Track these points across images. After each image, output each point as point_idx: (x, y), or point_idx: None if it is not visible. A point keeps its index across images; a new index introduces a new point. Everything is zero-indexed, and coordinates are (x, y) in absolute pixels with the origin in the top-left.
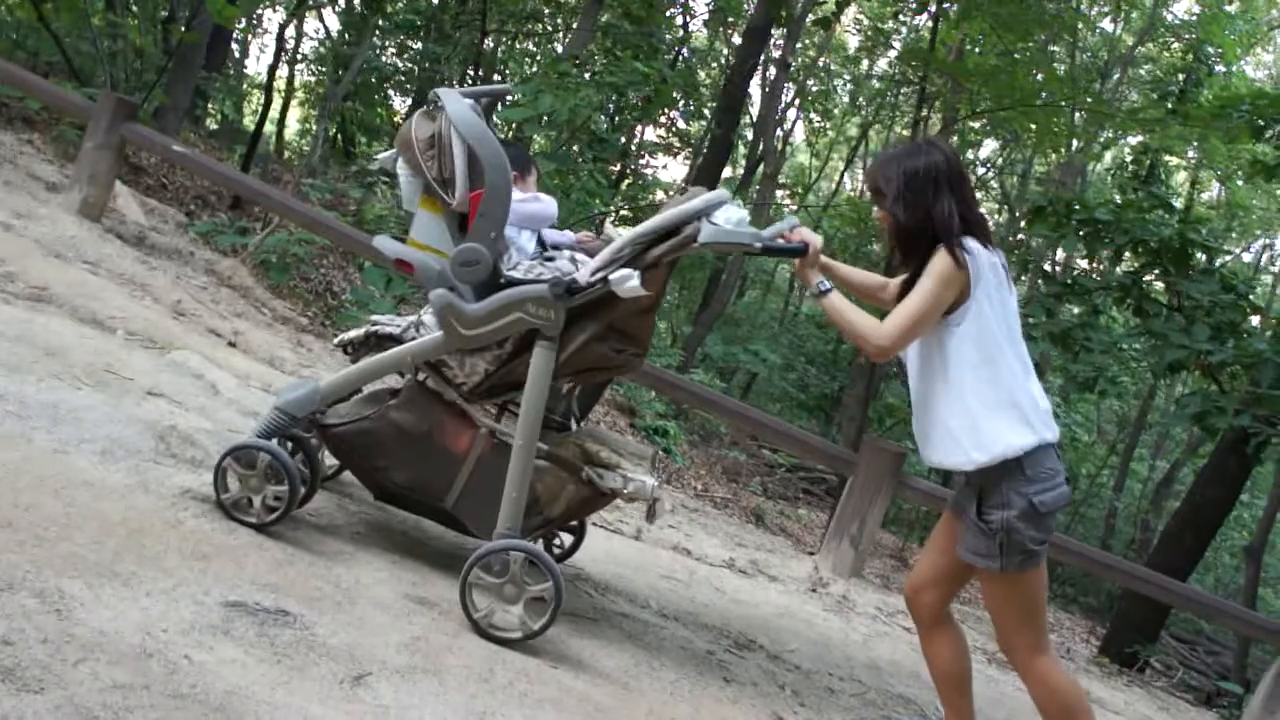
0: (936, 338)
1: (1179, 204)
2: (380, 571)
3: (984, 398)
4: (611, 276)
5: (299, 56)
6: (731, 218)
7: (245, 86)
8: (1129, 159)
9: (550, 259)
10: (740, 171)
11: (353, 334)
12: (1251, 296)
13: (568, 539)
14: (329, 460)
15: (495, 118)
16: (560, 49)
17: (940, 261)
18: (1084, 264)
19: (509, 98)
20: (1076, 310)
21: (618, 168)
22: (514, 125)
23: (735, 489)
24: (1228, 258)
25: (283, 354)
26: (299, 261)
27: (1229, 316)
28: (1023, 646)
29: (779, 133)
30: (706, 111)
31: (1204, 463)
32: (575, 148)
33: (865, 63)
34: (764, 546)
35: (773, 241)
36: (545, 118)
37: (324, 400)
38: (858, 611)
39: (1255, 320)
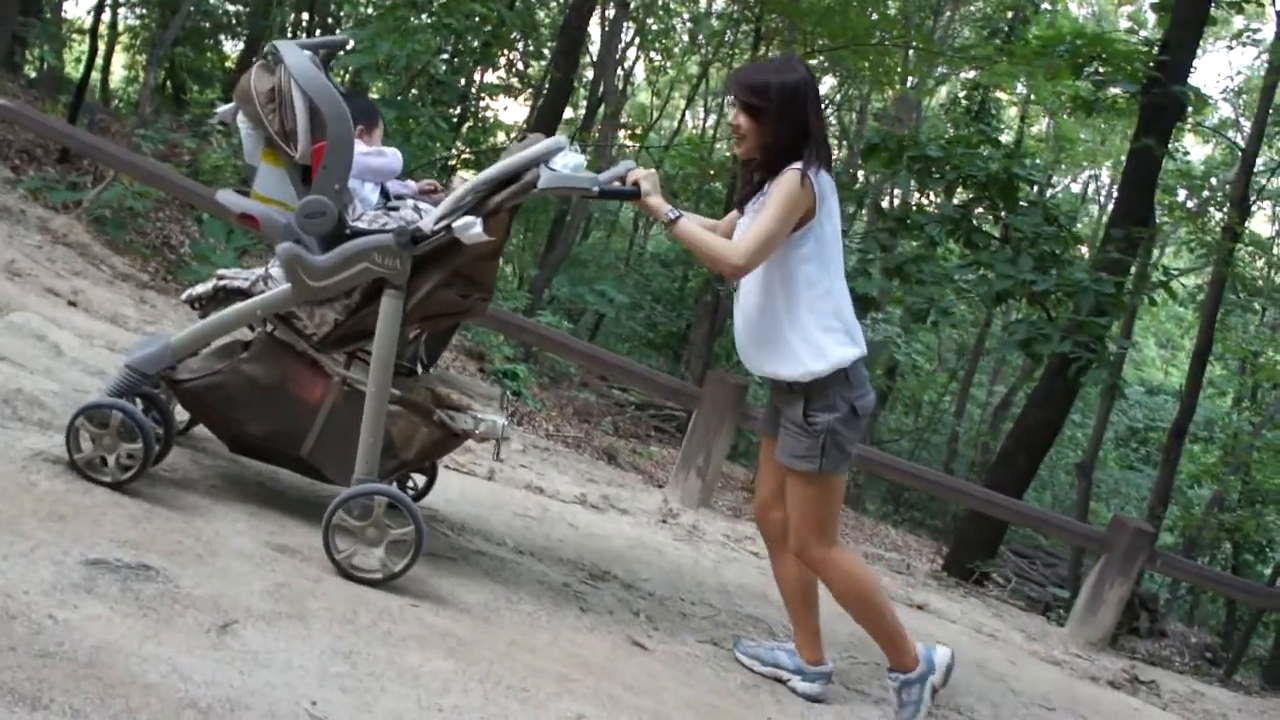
0: (778, 256)
1: (1009, 138)
2: (239, 523)
3: (819, 314)
4: (455, 224)
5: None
6: (569, 163)
7: (65, 31)
8: (962, 94)
9: (394, 209)
10: (582, 113)
11: (200, 289)
12: (1078, 227)
13: (420, 480)
14: (180, 415)
15: (333, 64)
16: None
17: (789, 183)
18: (917, 198)
19: (350, 41)
20: (915, 244)
21: (458, 111)
22: (351, 71)
23: (587, 429)
24: (1056, 190)
25: (125, 311)
26: (136, 216)
27: (1052, 247)
28: (822, 543)
29: (619, 72)
30: (546, 52)
31: (1035, 385)
32: (414, 92)
33: (704, 0)
34: (615, 482)
35: (609, 185)
36: (384, 63)
37: (175, 356)
38: (707, 540)
39: (1083, 250)
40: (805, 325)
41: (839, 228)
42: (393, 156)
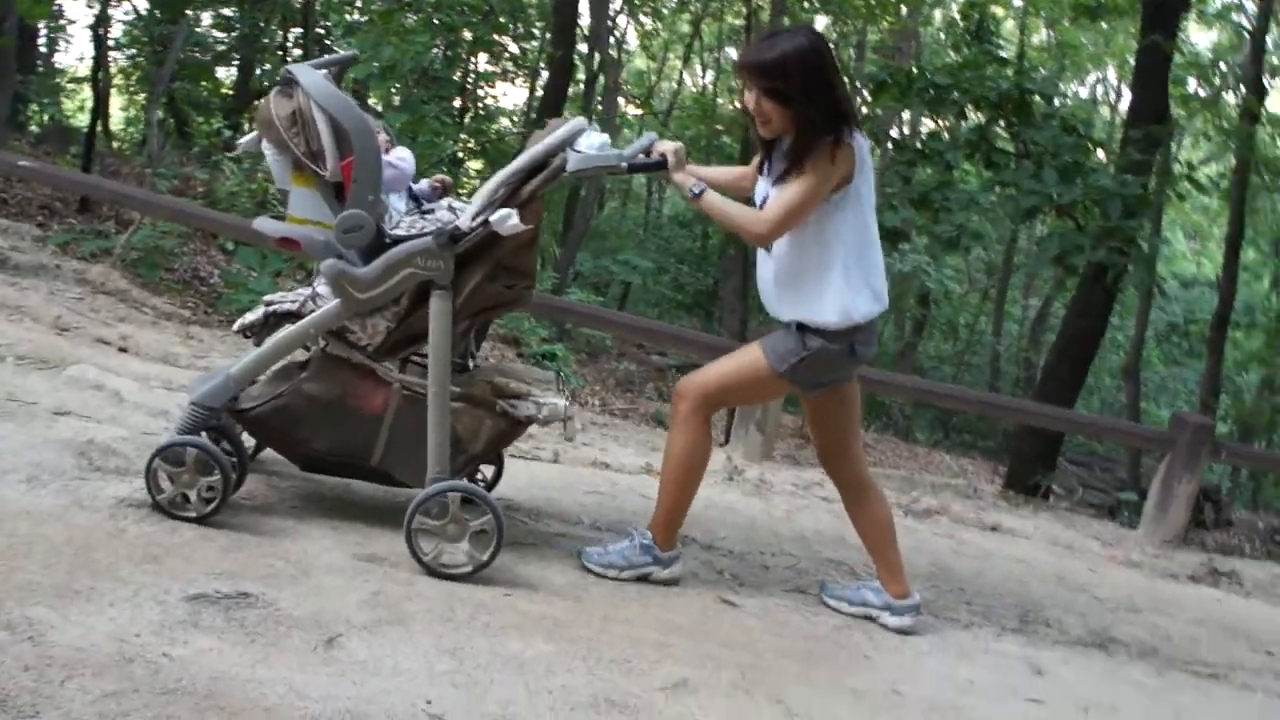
0: (816, 215)
1: (1011, 53)
2: (324, 539)
3: (851, 276)
4: (492, 218)
5: (113, 43)
6: (594, 143)
7: (62, 82)
8: (958, 16)
9: (428, 211)
10: (582, 89)
11: (251, 317)
12: (1093, 131)
13: (489, 471)
14: (248, 441)
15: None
16: None
17: (820, 157)
18: (930, 125)
19: (358, 56)
20: (930, 172)
21: (458, 103)
22: (352, 80)
23: (631, 398)
24: (1066, 99)
25: (175, 350)
26: (167, 255)
27: (1074, 157)
28: (703, 405)
29: (612, 41)
30: (535, 31)
31: (1072, 295)
32: (415, 91)
33: None
34: None
35: (636, 159)
36: (390, 68)
37: (238, 386)
38: (775, 491)
39: (1100, 154)
40: (836, 285)
41: (874, 187)
42: (401, 165)
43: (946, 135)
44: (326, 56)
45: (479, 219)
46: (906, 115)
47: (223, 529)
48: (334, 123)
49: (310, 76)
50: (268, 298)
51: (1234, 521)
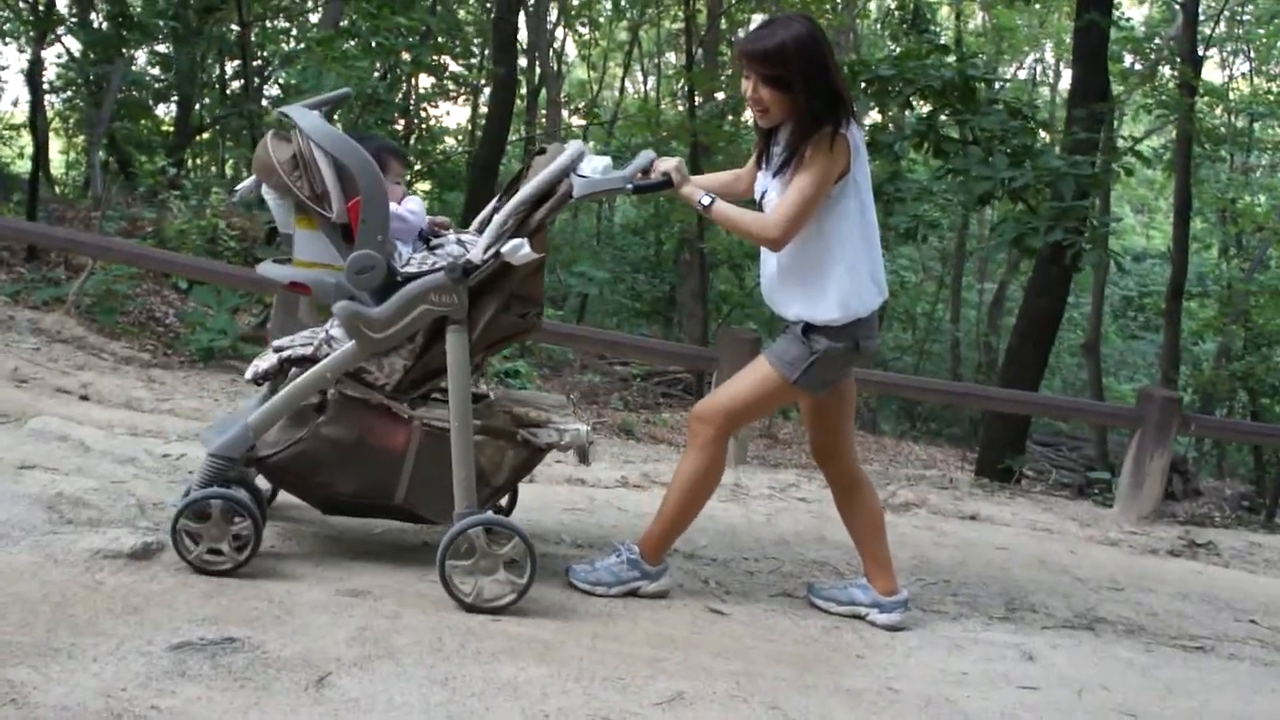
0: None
1: (948, 38)
2: (306, 577)
3: (853, 264)
4: (503, 249)
5: (47, 85)
6: (597, 166)
7: None
8: (894, 6)
9: (437, 246)
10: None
11: (264, 364)
12: (1036, 115)
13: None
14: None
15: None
16: (314, 19)
17: (819, 150)
18: (874, 117)
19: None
20: (880, 163)
21: (401, 125)
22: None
23: (597, 409)
24: (1006, 82)
25: (137, 394)
26: (123, 299)
27: (1022, 141)
28: (724, 427)
29: (551, 53)
30: (475, 49)
31: (1029, 277)
32: (362, 118)
33: None
34: (650, 458)
35: (640, 180)
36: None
37: (256, 435)
38: (752, 495)
39: (1044, 136)
40: (840, 278)
41: (869, 176)
42: (411, 218)
43: (891, 126)
44: (320, 96)
45: (490, 251)
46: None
47: (203, 574)
48: (337, 164)
49: (308, 118)
50: (277, 343)
51: (1202, 491)
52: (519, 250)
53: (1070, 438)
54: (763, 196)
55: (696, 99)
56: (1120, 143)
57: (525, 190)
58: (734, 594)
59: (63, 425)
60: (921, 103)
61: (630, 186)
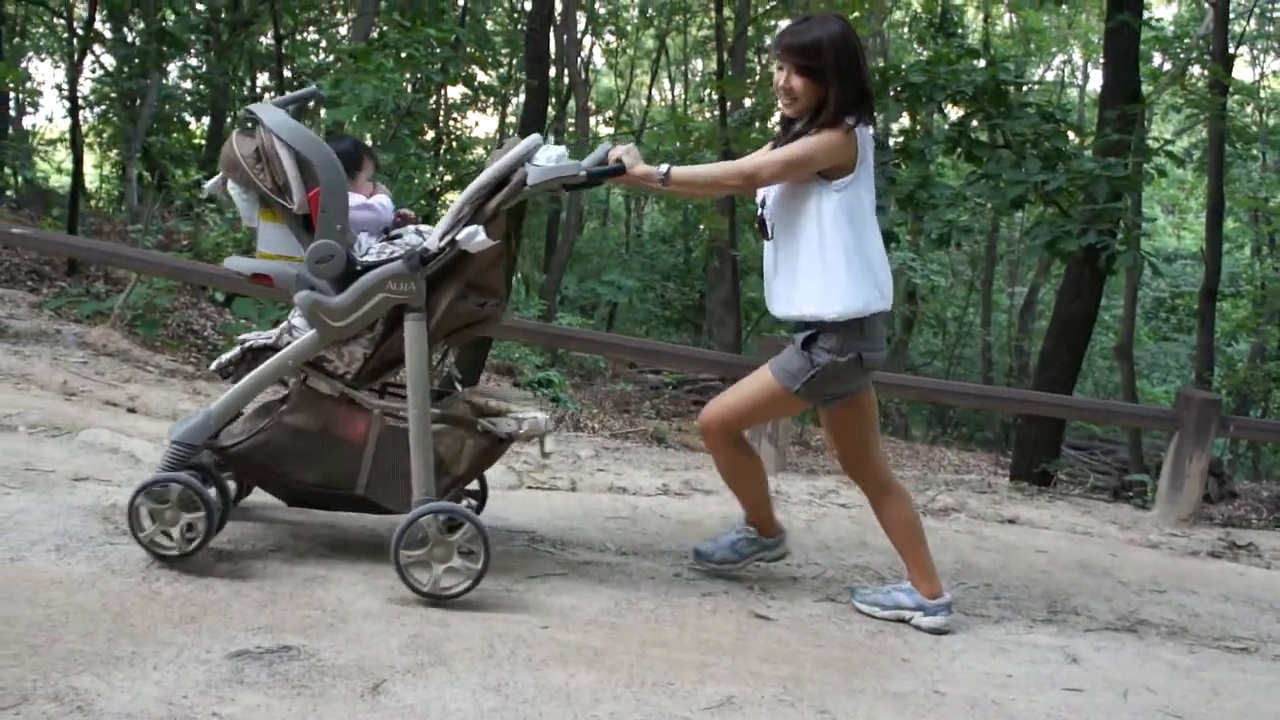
0: (816, 202)
1: (975, 41)
2: (357, 585)
3: (851, 262)
4: (459, 236)
5: (82, 100)
6: (551, 155)
7: (35, 144)
8: (919, 9)
9: (396, 236)
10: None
11: (227, 356)
12: (1068, 117)
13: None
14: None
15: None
16: (343, 31)
17: (833, 131)
18: (903, 122)
19: (321, 92)
20: (911, 171)
21: (432, 135)
22: (328, 124)
23: (630, 418)
24: (1035, 85)
25: (183, 406)
26: (166, 313)
27: (1054, 144)
28: (729, 430)
29: (579, 62)
30: (502, 58)
31: (1061, 281)
32: (397, 129)
33: None
34: (690, 465)
35: (593, 167)
36: (373, 110)
37: (217, 423)
38: (793, 502)
39: (1072, 137)
40: (839, 277)
41: (874, 182)
42: (380, 208)
43: (921, 131)
44: (288, 95)
45: (446, 239)
46: (879, 115)
47: (255, 582)
48: (297, 156)
49: (271, 113)
50: (242, 336)
51: (1238, 493)
52: (475, 237)
53: (1104, 441)
54: (763, 202)
55: (727, 105)
56: (1150, 143)
57: (480, 179)
58: (779, 599)
59: (113, 438)
60: (953, 107)
61: (584, 172)
